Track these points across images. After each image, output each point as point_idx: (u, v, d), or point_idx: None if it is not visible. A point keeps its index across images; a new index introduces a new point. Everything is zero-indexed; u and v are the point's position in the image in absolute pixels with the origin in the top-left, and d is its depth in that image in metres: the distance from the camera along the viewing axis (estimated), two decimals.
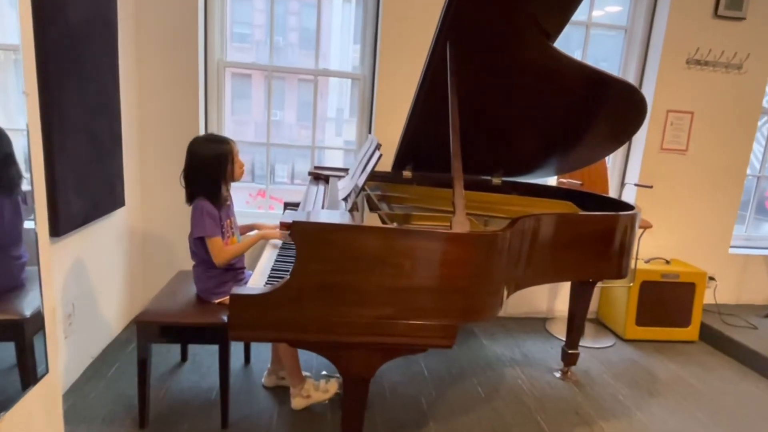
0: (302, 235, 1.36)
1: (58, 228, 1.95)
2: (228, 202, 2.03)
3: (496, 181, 2.66)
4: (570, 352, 2.53)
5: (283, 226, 1.35)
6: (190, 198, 1.94)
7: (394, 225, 1.65)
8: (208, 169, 1.91)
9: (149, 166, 2.75)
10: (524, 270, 1.75)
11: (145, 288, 2.86)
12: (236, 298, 1.37)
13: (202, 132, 2.87)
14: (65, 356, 2.13)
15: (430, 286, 1.41)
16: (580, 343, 2.94)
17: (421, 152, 2.38)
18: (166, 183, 2.76)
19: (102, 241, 2.38)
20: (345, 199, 1.81)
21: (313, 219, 1.37)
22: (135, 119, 2.64)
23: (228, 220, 2.01)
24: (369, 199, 2.21)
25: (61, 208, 1.94)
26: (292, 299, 1.38)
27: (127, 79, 2.52)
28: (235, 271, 2.02)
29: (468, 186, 2.56)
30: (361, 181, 1.65)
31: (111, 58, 2.29)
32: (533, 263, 1.79)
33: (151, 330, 1.87)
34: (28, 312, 1.41)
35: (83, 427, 1.91)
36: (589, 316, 3.37)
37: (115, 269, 2.55)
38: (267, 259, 1.89)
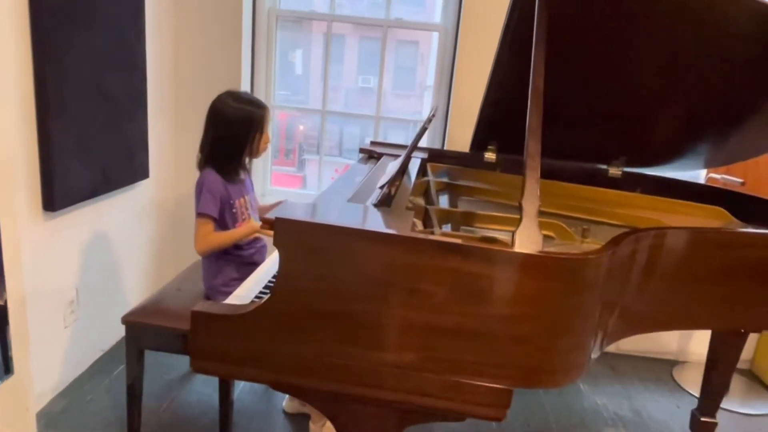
0: (287, 239, 1.06)
1: (54, 202, 1.85)
2: (243, 178, 1.81)
3: (614, 172, 2.17)
4: (704, 420, 2.00)
5: (266, 222, 1.06)
6: (201, 166, 1.76)
7: (428, 231, 1.30)
8: (230, 133, 1.72)
9: (183, 133, 2.62)
10: (631, 312, 1.31)
11: (176, 274, 2.77)
12: (199, 317, 1.12)
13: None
14: (64, 349, 2.06)
15: (474, 329, 1.05)
16: (722, 406, 2.36)
17: (510, 127, 1.97)
18: None
19: (118, 219, 2.28)
20: (382, 187, 1.48)
21: (302, 215, 1.06)
22: (166, 77, 2.52)
23: (241, 199, 1.79)
24: (427, 188, 1.86)
25: (57, 179, 1.84)
26: (274, 327, 1.10)
27: (156, 28, 2.38)
28: (251, 266, 1.80)
29: (570, 177, 2.11)
30: (395, 165, 1.31)
31: (134, 1, 2.15)
32: (648, 302, 1.34)
33: (143, 334, 1.71)
34: None
35: None
36: (740, 365, 2.73)
37: (136, 251, 2.46)
38: (273, 260, 1.63)
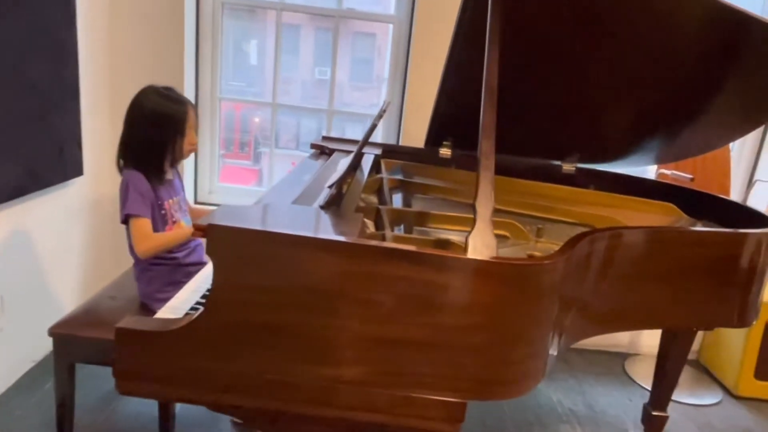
0: (221, 248, 0.96)
1: None
2: (169, 177, 1.68)
3: (568, 168, 2.15)
4: (655, 414, 2.01)
5: (198, 229, 0.97)
6: (122, 167, 1.63)
7: (379, 235, 1.23)
8: (150, 132, 1.59)
9: (121, 127, 2.45)
10: (588, 315, 1.28)
11: (115, 278, 2.61)
12: (124, 335, 1.01)
13: (190, 89, 2.54)
14: None
15: (425, 340, 0.99)
16: (673, 397, 2.40)
17: (465, 122, 1.92)
18: None
19: (50, 219, 2.11)
20: (331, 187, 1.40)
21: (237, 221, 0.96)
22: (101, 68, 2.34)
23: (169, 201, 1.67)
24: (380, 186, 1.79)
25: None
26: (209, 343, 1.00)
27: (89, 15, 2.21)
28: (186, 268, 1.68)
29: (524, 173, 2.08)
30: (346, 162, 1.23)
31: None
32: (604, 303, 1.31)
33: (73, 347, 1.57)
34: None
35: None
36: (689, 356, 2.79)
37: (70, 254, 2.29)
38: (211, 266, 1.52)
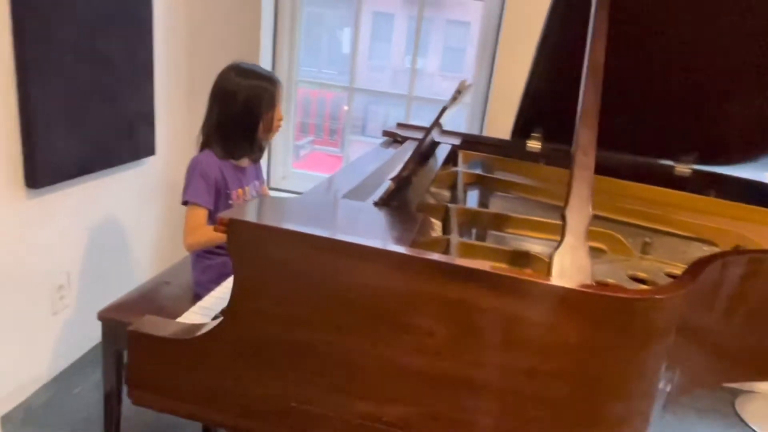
0: (243, 247, 0.79)
1: (36, 178, 1.65)
2: (245, 165, 1.57)
3: (682, 169, 1.81)
4: None
5: (221, 223, 0.80)
6: (202, 147, 1.54)
7: (443, 239, 1.01)
8: (238, 112, 1.50)
9: (197, 107, 2.38)
10: (708, 359, 0.98)
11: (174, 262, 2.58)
12: (136, 339, 0.87)
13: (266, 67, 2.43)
14: (53, 336, 1.89)
15: (487, 383, 0.76)
16: None
17: (559, 111, 1.64)
18: None
19: (119, 198, 2.09)
20: (393, 180, 1.20)
21: (263, 217, 0.79)
22: (178, 45, 2.29)
23: (240, 190, 1.55)
24: (455, 181, 1.56)
25: (40, 153, 1.64)
26: (228, 357, 0.84)
27: None
28: None
29: (628, 174, 1.76)
30: (406, 153, 1.03)
31: None
32: (732, 345, 1.01)
33: (121, 333, 1.49)
34: None
35: None
36: None
37: (140, 235, 2.27)
38: None
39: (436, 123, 1.21)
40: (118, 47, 1.87)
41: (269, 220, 0.79)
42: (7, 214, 1.61)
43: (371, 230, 0.87)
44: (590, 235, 1.24)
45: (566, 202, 0.80)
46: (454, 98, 1.20)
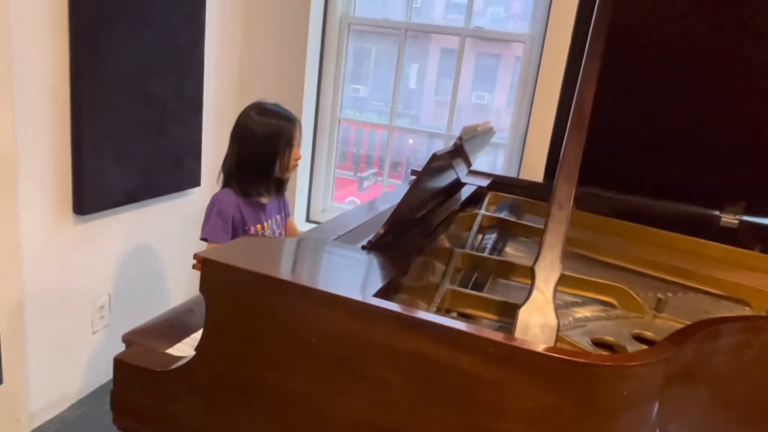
0: (214, 286, 0.82)
1: (83, 205, 1.78)
2: (264, 202, 1.61)
3: (728, 220, 1.69)
4: None
5: (197, 260, 0.83)
6: (223, 184, 1.60)
7: (432, 285, 0.98)
8: (256, 150, 1.55)
9: None
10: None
11: None
12: (121, 367, 0.91)
13: (309, 105, 2.52)
14: (91, 354, 2.00)
15: None
16: None
17: (595, 152, 1.59)
18: None
19: (162, 226, 2.20)
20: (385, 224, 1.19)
21: (235, 258, 0.81)
22: (227, 83, 2.42)
23: (258, 226, 1.59)
24: (480, 226, 1.54)
25: (87, 182, 1.77)
26: (198, 392, 0.86)
27: (219, 33, 2.29)
28: None
29: (668, 223, 1.66)
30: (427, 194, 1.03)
31: (192, 4, 2.06)
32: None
33: None
34: None
35: None
36: None
37: (180, 262, 2.37)
38: None
39: (434, 160, 1.18)
40: (169, 86, 2.01)
41: (240, 262, 0.81)
42: (55, 238, 1.74)
43: (343, 275, 0.87)
44: (600, 288, 1.19)
45: (537, 257, 0.77)
46: (456, 145, 1.18)
